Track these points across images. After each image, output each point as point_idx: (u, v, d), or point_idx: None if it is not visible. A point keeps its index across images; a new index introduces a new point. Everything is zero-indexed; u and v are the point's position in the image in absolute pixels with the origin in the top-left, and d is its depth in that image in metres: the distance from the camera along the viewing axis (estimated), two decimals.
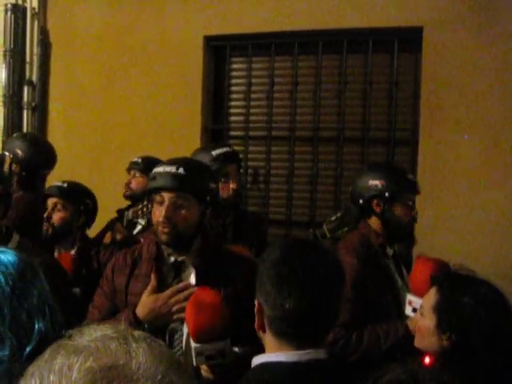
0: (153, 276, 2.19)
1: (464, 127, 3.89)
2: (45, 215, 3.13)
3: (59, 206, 3.13)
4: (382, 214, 2.73)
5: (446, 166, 3.93)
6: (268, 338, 1.56)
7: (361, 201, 2.80)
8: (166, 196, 2.21)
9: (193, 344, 1.94)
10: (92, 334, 0.82)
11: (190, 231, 2.25)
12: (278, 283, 1.50)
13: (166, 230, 2.20)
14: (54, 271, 2.21)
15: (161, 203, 2.21)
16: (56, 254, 3.17)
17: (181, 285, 2.20)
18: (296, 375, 1.47)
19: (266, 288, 1.52)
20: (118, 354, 0.77)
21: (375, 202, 2.74)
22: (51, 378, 0.75)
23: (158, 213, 2.21)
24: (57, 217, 3.13)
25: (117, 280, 2.32)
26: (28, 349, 1.35)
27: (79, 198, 3.21)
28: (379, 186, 2.73)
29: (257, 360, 1.56)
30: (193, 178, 2.25)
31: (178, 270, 2.28)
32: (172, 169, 2.21)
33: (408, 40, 4.15)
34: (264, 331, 1.57)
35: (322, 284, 1.51)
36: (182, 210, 2.22)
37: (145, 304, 2.16)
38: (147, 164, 3.82)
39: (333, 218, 3.49)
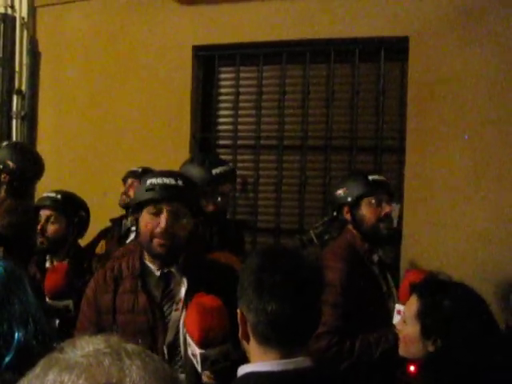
0: None
1: (451, 135, 3.92)
2: (38, 228, 3.09)
3: (53, 219, 3.10)
4: (354, 219, 2.78)
5: (432, 173, 3.96)
6: (252, 347, 1.56)
7: (334, 212, 2.89)
8: (166, 207, 2.18)
9: (198, 351, 1.92)
10: (84, 348, 0.79)
11: (182, 243, 2.23)
12: (259, 288, 1.51)
13: (164, 241, 2.17)
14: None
15: (156, 214, 2.18)
16: (48, 265, 3.13)
17: None
18: None
19: (247, 295, 1.53)
20: (110, 371, 0.74)
21: (345, 209, 2.81)
22: None
23: (154, 224, 2.18)
24: (51, 229, 3.09)
25: (101, 300, 2.26)
26: (7, 359, 1.36)
27: (73, 210, 3.17)
28: (342, 193, 2.81)
29: (242, 370, 1.56)
30: (190, 191, 2.26)
31: (167, 283, 2.26)
32: (171, 181, 2.20)
33: (394, 49, 4.18)
34: (248, 340, 1.57)
35: (301, 286, 1.53)
36: (180, 221, 2.20)
37: None
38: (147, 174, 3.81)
39: (319, 223, 3.51)
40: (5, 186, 3.63)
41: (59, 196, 3.14)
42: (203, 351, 1.91)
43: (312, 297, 1.57)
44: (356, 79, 4.31)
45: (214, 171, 3.05)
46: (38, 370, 0.77)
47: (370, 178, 2.81)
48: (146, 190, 2.21)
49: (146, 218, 2.21)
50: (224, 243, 3.09)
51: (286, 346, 1.52)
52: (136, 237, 3.48)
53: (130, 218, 3.68)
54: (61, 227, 3.11)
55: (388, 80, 4.27)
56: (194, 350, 1.95)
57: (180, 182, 2.22)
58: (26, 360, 0.82)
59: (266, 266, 1.56)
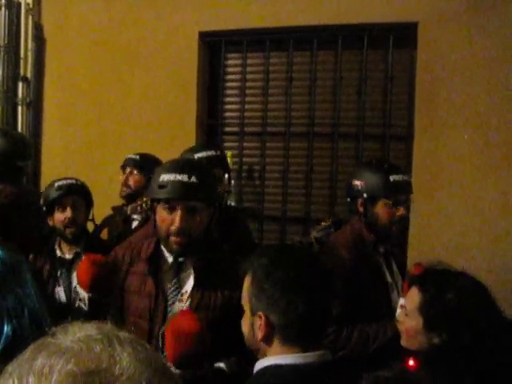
0: None
1: (459, 123, 3.90)
2: (69, 216, 3.02)
3: (78, 205, 3.11)
4: (365, 214, 2.73)
5: (441, 161, 3.94)
6: (273, 348, 1.54)
7: (348, 199, 2.83)
8: (180, 206, 2.16)
9: (172, 369, 1.89)
10: (76, 334, 0.78)
11: (199, 238, 2.23)
12: (286, 288, 1.50)
13: (179, 240, 2.18)
14: None
15: (170, 210, 2.17)
16: (58, 253, 3.06)
17: None
18: (304, 377, 1.48)
19: (272, 296, 1.51)
20: (101, 357, 0.73)
21: (359, 202, 2.74)
22: (30, 379, 0.71)
23: (169, 221, 2.17)
24: (80, 217, 3.10)
25: (114, 277, 2.31)
26: None
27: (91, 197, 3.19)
28: (359, 186, 2.72)
29: (261, 363, 1.55)
30: (205, 186, 2.21)
31: (178, 271, 2.26)
32: (184, 177, 2.16)
33: (403, 36, 4.14)
34: (270, 343, 1.54)
35: (321, 284, 1.54)
36: (194, 218, 2.19)
37: None
38: (145, 161, 3.73)
39: (321, 227, 3.39)
40: None
41: (80, 182, 3.13)
42: (177, 372, 1.91)
43: (329, 295, 1.58)
44: (364, 66, 4.27)
45: (196, 155, 3.00)
46: (27, 353, 0.77)
47: (391, 178, 2.67)
48: (159, 187, 2.19)
49: (161, 212, 2.21)
50: (224, 237, 3.05)
51: (306, 341, 1.52)
52: (139, 224, 3.49)
53: (129, 207, 3.66)
54: (83, 214, 3.11)
55: (396, 67, 4.23)
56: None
57: (194, 178, 2.16)
58: (18, 351, 0.80)
59: (286, 265, 1.55)
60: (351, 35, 4.27)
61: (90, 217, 3.23)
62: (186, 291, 2.22)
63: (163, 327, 2.14)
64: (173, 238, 2.18)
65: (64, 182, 3.08)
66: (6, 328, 1.41)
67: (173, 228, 2.16)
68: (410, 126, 4.15)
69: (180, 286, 2.24)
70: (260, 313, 1.53)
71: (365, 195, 2.69)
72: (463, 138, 3.87)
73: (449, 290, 1.83)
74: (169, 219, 2.17)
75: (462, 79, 3.89)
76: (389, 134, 4.24)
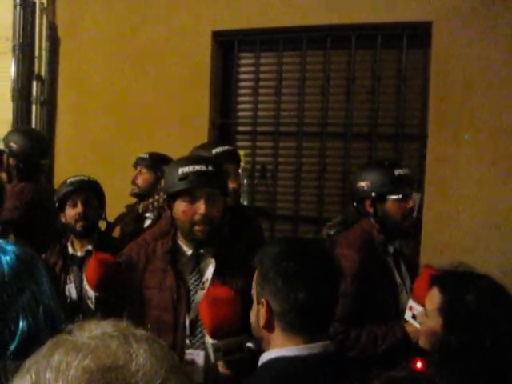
0: None
1: (473, 123, 3.87)
2: (79, 212, 2.99)
3: (90, 200, 3.08)
4: (376, 214, 2.72)
5: (454, 161, 3.91)
6: (275, 336, 1.56)
7: (355, 203, 2.81)
8: (202, 194, 2.23)
9: (210, 341, 1.94)
10: (92, 331, 0.79)
11: (219, 226, 2.30)
12: (287, 277, 1.53)
13: (204, 228, 2.24)
14: None
15: (192, 201, 2.24)
16: (71, 250, 3.06)
17: None
18: (309, 368, 1.49)
19: (273, 284, 1.54)
20: (117, 353, 0.74)
21: (367, 203, 2.73)
22: (47, 374, 0.72)
23: (192, 211, 2.24)
24: (90, 212, 3.05)
25: (129, 274, 2.34)
26: (12, 347, 1.37)
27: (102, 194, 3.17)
28: (365, 187, 2.72)
29: (267, 355, 1.57)
30: (220, 175, 2.34)
31: (197, 262, 2.32)
32: (202, 167, 2.25)
33: (417, 35, 4.12)
34: (271, 330, 1.57)
35: (327, 274, 1.57)
36: (215, 205, 2.27)
37: None
38: (155, 160, 3.83)
39: (333, 223, 3.39)
40: (14, 171, 3.65)
41: (91, 179, 3.13)
42: (215, 342, 1.93)
43: (335, 284, 1.60)
44: (377, 65, 4.26)
45: (214, 150, 3.08)
46: (44, 350, 0.77)
47: (396, 172, 2.70)
48: (180, 179, 2.25)
49: (181, 206, 2.27)
50: (235, 235, 3.07)
51: (311, 332, 1.54)
52: (152, 222, 3.50)
53: (141, 205, 3.68)
54: (95, 210, 3.10)
55: (410, 66, 4.21)
56: (207, 340, 1.97)
57: (210, 167, 2.27)
58: (33, 347, 0.81)
59: (292, 254, 1.57)
60: (365, 34, 4.25)
61: (103, 216, 3.23)
62: (207, 279, 2.28)
63: (189, 316, 2.22)
64: (197, 227, 2.24)
65: (76, 178, 3.10)
66: (21, 324, 1.42)
67: (197, 217, 2.23)
68: (423, 125, 4.13)
69: (200, 275, 2.30)
70: (263, 300, 1.57)
71: (373, 194, 2.69)
72: (477, 138, 3.84)
73: (469, 292, 1.81)
74: (191, 210, 2.24)
75: (476, 78, 3.86)
76: (402, 133, 4.22)
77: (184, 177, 2.24)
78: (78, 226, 3.01)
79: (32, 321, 1.45)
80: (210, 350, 1.95)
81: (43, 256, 3.02)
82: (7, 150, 3.71)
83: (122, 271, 2.38)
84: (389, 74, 4.28)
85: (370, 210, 2.72)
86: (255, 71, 4.59)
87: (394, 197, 2.68)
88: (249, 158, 4.55)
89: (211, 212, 2.24)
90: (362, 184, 2.73)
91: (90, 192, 3.09)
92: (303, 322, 1.52)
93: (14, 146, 3.70)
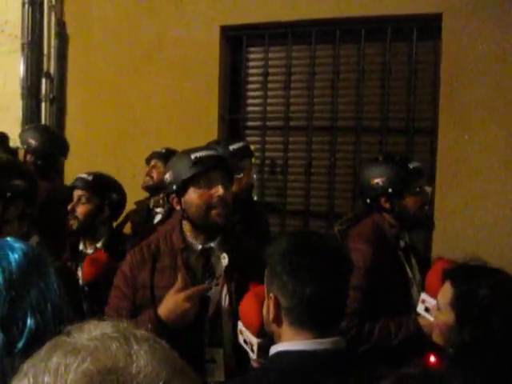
0: (179, 277, 2.11)
1: (484, 115, 3.83)
2: (69, 208, 3.06)
3: (83, 199, 3.05)
4: (392, 209, 2.69)
5: (465, 155, 3.87)
6: (283, 330, 1.55)
7: (368, 200, 2.77)
8: (218, 177, 2.22)
9: (255, 340, 1.91)
10: (91, 332, 0.77)
11: (231, 212, 2.29)
12: (294, 271, 1.51)
13: (222, 210, 2.21)
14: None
15: (207, 186, 2.21)
16: (81, 247, 3.10)
17: (201, 287, 2.16)
18: (316, 363, 1.47)
19: (281, 279, 1.52)
20: (117, 355, 0.71)
21: (383, 199, 2.70)
22: (46, 378, 0.70)
23: (208, 195, 2.20)
24: (81, 209, 3.05)
25: (138, 276, 2.27)
26: (19, 345, 1.37)
27: (104, 191, 3.11)
28: (381, 183, 2.68)
29: (274, 349, 1.56)
30: (229, 163, 2.34)
31: (207, 257, 2.28)
32: (213, 152, 2.27)
33: (427, 27, 4.07)
34: (279, 324, 1.56)
35: (336, 268, 1.54)
36: (229, 190, 2.27)
37: (166, 304, 2.08)
38: (170, 155, 3.77)
39: (344, 219, 3.36)
40: (32, 168, 3.65)
41: (91, 177, 3.10)
42: (260, 340, 1.90)
43: (345, 278, 1.58)
44: (387, 58, 4.22)
45: (232, 147, 3.15)
46: (42, 352, 0.75)
47: (411, 166, 2.68)
48: (193, 165, 2.22)
49: (196, 192, 2.23)
50: (248, 229, 3.08)
51: (319, 327, 1.51)
52: (165, 217, 3.49)
53: (152, 200, 3.68)
54: (90, 208, 3.06)
55: (420, 59, 4.18)
56: (250, 339, 1.93)
57: (220, 152, 2.31)
58: (41, 345, 0.79)
59: (299, 248, 1.55)
60: (374, 27, 4.22)
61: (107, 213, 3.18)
62: (220, 275, 2.25)
63: (208, 313, 2.19)
64: (214, 211, 2.21)
65: (79, 175, 3.14)
66: (29, 322, 1.41)
67: (215, 200, 2.20)
68: (434, 119, 4.09)
69: (213, 270, 2.27)
70: (271, 294, 1.56)
71: (390, 190, 2.65)
72: (489, 131, 3.80)
73: (482, 286, 1.80)
74: (207, 194, 2.21)
75: (487, 71, 3.82)
76: (413, 127, 4.18)
77: (198, 161, 2.22)
78: (71, 224, 3.06)
79: (40, 318, 1.44)
80: (255, 349, 1.92)
81: (64, 256, 3.05)
82: (25, 147, 3.71)
83: (114, 270, 2.43)
84: (399, 67, 4.25)
85: (386, 205, 2.70)
86: (264, 66, 4.56)
87: (412, 189, 2.66)
88: (258, 153, 4.53)
89: (228, 196, 2.23)
90: (377, 181, 2.69)
91: (87, 191, 3.09)
92: (311, 316, 1.51)
93: (32, 142, 3.71)
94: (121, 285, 2.30)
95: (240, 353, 2.02)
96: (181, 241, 2.30)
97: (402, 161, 2.73)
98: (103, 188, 3.12)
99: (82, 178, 3.12)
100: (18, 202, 2.54)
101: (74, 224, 3.06)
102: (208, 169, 2.22)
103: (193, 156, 2.23)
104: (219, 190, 2.19)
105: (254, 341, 1.92)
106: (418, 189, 2.67)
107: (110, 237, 3.13)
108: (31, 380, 0.71)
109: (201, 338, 2.18)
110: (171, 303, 2.07)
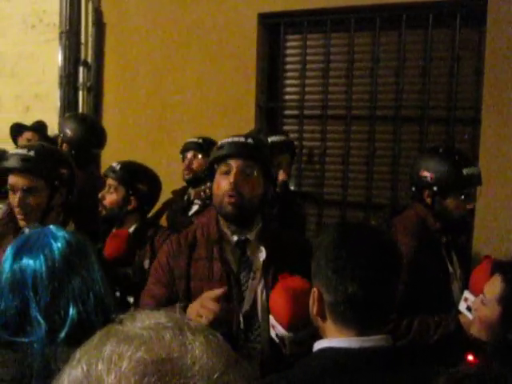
0: (220, 290, 2.02)
1: None
2: (100, 196, 3.10)
3: (112, 188, 3.09)
4: (432, 205, 2.64)
5: (510, 146, 3.76)
6: (328, 325, 1.52)
7: (413, 188, 2.73)
8: (234, 164, 2.18)
9: (286, 334, 1.88)
10: (145, 321, 0.75)
11: (253, 204, 2.21)
12: (339, 268, 1.46)
13: (232, 199, 2.15)
14: None
15: (227, 173, 2.18)
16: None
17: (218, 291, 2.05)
18: (359, 362, 1.43)
19: (325, 274, 1.49)
20: (171, 345, 0.70)
21: (426, 192, 2.65)
22: (99, 366, 0.69)
23: (224, 183, 2.17)
24: (108, 198, 3.09)
25: (175, 265, 2.25)
26: (62, 334, 1.36)
27: (131, 181, 3.10)
28: (428, 178, 2.63)
29: (318, 345, 1.53)
30: (260, 149, 2.25)
31: (243, 249, 2.24)
32: (240, 139, 2.21)
33: (471, 13, 3.96)
34: (323, 319, 1.53)
35: (382, 266, 1.49)
36: (249, 179, 2.19)
37: (193, 306, 2.04)
38: (208, 145, 3.69)
39: (381, 213, 3.28)
40: None
41: (118, 166, 3.11)
42: (291, 334, 1.88)
43: (392, 279, 1.52)
44: (429, 46, 4.11)
45: (270, 139, 3.05)
46: (95, 340, 0.74)
47: (465, 172, 2.59)
48: (218, 149, 2.23)
49: (218, 179, 2.22)
50: (285, 222, 3.03)
51: (364, 324, 1.48)
52: (197, 210, 3.47)
53: (193, 191, 3.64)
54: (117, 197, 3.08)
55: (463, 46, 4.05)
56: (281, 333, 1.90)
57: (250, 140, 2.21)
58: (84, 335, 0.78)
59: (345, 243, 1.51)
60: (415, 14, 4.11)
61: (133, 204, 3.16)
62: (258, 268, 2.20)
63: (243, 308, 2.15)
64: (226, 200, 2.17)
65: (111, 164, 3.16)
66: (71, 311, 1.41)
67: (226, 187, 2.16)
68: (477, 108, 3.97)
69: (249, 263, 2.23)
70: (315, 289, 1.53)
71: (435, 188, 2.61)
72: None
73: None
74: (224, 182, 2.18)
75: None
76: (454, 117, 4.07)
77: (221, 146, 2.22)
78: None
79: (82, 308, 1.44)
80: (286, 343, 1.89)
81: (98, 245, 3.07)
82: (61, 136, 3.74)
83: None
84: (441, 54, 4.13)
85: (428, 200, 2.65)
86: (302, 53, 4.50)
87: (457, 195, 2.59)
88: (296, 142, 4.47)
89: (242, 185, 2.16)
90: (426, 174, 2.64)
91: (115, 179, 3.12)
92: (355, 314, 1.47)
93: (68, 132, 3.72)
94: (158, 272, 2.29)
95: (277, 349, 1.98)
96: (216, 231, 2.26)
97: (457, 163, 2.63)
98: (130, 178, 3.12)
99: (111, 167, 3.14)
100: (63, 190, 2.57)
101: (102, 212, 3.09)
102: (226, 155, 2.20)
103: (220, 142, 2.25)
104: (230, 177, 2.15)
105: (285, 335, 1.89)
106: (462, 196, 2.59)
107: (140, 226, 3.13)
108: (84, 368, 0.70)
109: (237, 333, 2.14)
110: (193, 309, 2.01)
